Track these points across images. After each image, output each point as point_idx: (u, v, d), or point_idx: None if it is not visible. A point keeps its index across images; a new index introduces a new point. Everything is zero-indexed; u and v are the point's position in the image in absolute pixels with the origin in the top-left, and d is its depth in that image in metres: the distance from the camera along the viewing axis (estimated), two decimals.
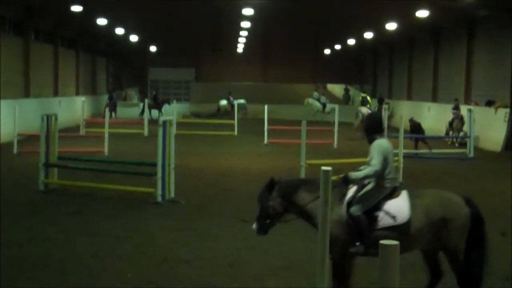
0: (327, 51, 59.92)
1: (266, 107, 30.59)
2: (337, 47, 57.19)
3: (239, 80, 60.89)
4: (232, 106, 49.97)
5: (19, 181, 17.32)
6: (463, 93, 35.50)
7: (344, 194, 7.92)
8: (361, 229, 7.54)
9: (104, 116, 47.04)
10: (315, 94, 50.47)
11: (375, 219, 7.57)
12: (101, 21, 40.78)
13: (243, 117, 43.97)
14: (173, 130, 15.43)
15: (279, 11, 46.68)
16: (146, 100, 40.42)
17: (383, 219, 7.56)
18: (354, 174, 7.90)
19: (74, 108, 41.06)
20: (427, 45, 42.03)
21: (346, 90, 66.02)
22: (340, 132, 28.74)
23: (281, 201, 7.96)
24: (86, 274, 9.05)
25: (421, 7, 33.18)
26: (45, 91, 39.58)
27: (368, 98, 40.79)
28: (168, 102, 50.31)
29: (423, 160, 24.25)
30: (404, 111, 38.16)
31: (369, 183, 7.85)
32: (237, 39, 58.23)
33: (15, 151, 24.04)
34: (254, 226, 8.13)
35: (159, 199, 14.44)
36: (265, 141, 28.96)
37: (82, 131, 31.35)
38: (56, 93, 41.51)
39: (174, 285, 8.75)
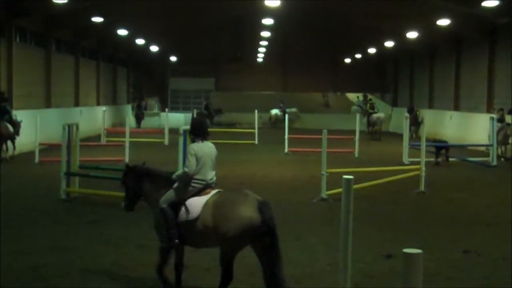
0: (347, 60, 59.76)
1: (286, 116, 30.52)
2: (357, 55, 57.01)
3: (259, 90, 60.88)
4: (285, 114, 50.13)
5: (40, 190, 17.40)
6: (485, 101, 35.20)
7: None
8: (166, 220, 8.31)
9: (137, 125, 47.84)
10: (357, 100, 49.09)
11: (177, 212, 8.26)
12: (122, 32, 40.97)
13: (295, 126, 44.01)
14: None
15: (298, 20, 46.75)
16: (166, 110, 40.67)
17: (183, 214, 8.24)
18: (175, 174, 8.72)
19: (95, 117, 41.28)
20: (449, 53, 41.77)
21: (365, 97, 65.92)
22: (360, 141, 28.59)
23: (133, 186, 9.04)
24: (107, 283, 9.04)
25: (442, 15, 32.99)
26: (66, 101, 39.80)
27: (375, 104, 41.17)
28: (221, 111, 50.53)
29: (445, 168, 24.07)
30: (426, 119, 37.96)
31: (176, 180, 8.60)
32: (257, 49, 58.30)
33: (36, 160, 24.21)
34: (123, 204, 9.27)
35: None
36: (286, 149, 28.90)
37: (103, 140, 31.48)
38: (77, 103, 41.72)
39: None
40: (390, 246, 11.35)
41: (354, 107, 51.15)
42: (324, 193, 16.21)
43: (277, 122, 48.81)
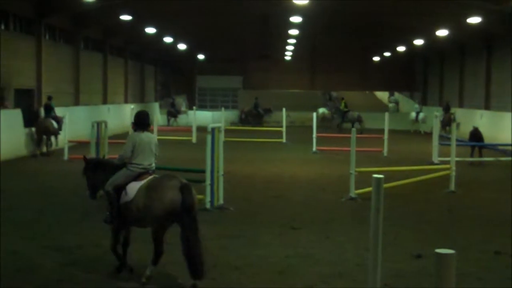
0: (375, 58, 59.41)
1: (314, 114, 30.35)
2: (386, 54, 56.66)
3: (287, 88, 60.80)
4: (332, 113, 50.04)
5: (69, 187, 17.50)
6: None
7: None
8: (109, 201, 9.20)
9: (169, 123, 48.19)
10: (416, 106, 48.21)
11: (119, 195, 9.06)
12: (150, 30, 41.13)
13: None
14: (222, 137, 15.39)
15: (327, 18, 46.53)
16: (194, 108, 40.79)
17: (124, 196, 9.03)
18: (116, 158, 9.76)
19: (122, 115, 41.52)
20: (479, 51, 41.31)
21: (391, 95, 65.70)
22: (389, 140, 28.37)
23: (90, 176, 9.86)
24: (136, 279, 9.04)
25: (473, 13, 32.62)
26: (94, 99, 40.08)
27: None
28: (271, 110, 50.40)
29: (477, 168, 23.80)
30: (456, 118, 37.66)
31: (123, 165, 9.38)
32: (285, 47, 58.16)
33: (66, 157, 24.39)
34: (87, 193, 10.08)
35: (208, 205, 14.41)
36: (314, 148, 28.77)
37: None
38: (105, 101, 42.00)
39: None
40: (419, 246, 11.24)
41: (321, 110, 50.98)
42: (353, 192, 16.11)
43: (325, 121, 48.75)
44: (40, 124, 26.55)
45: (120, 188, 9.12)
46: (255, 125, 47.48)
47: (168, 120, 49.77)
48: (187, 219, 8.56)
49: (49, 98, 27.78)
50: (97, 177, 9.74)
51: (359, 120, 43.33)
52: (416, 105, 47.42)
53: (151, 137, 9.57)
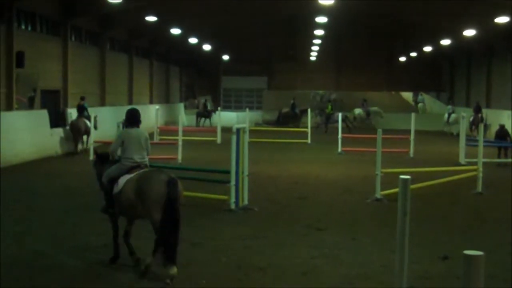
0: (401, 58, 59.04)
1: (340, 114, 30.22)
2: (412, 54, 56.27)
3: (312, 88, 60.63)
4: (368, 114, 49.78)
5: (94, 187, 17.55)
6: None
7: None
8: (105, 192, 9.90)
9: (198, 124, 48.25)
10: (449, 107, 47.50)
11: (112, 187, 9.64)
12: (175, 31, 41.24)
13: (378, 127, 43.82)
14: (247, 137, 15.36)
15: (352, 18, 46.41)
16: (219, 108, 40.86)
17: (115, 188, 9.59)
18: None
19: (148, 116, 41.57)
20: (507, 51, 40.88)
21: (416, 97, 65.16)
22: (416, 141, 28.15)
23: (99, 169, 10.50)
24: (160, 279, 9.03)
25: (501, 13, 32.28)
26: (119, 99, 40.27)
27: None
28: (324, 110, 50.32)
29: (504, 169, 23.52)
30: (486, 119, 37.31)
31: (119, 160, 9.96)
32: (310, 47, 58.04)
33: (91, 157, 24.53)
34: (97, 184, 10.54)
35: (233, 206, 14.40)
36: (339, 149, 28.65)
37: (156, 139, 31.70)
38: (130, 102, 42.16)
39: None
40: (446, 247, 11.13)
41: (357, 111, 50.81)
42: (379, 193, 16.00)
43: (360, 122, 48.54)
44: (73, 123, 27.65)
45: (114, 180, 9.70)
46: (293, 126, 47.33)
47: (198, 121, 49.56)
48: (169, 210, 8.95)
49: (82, 98, 29.02)
50: (104, 170, 10.21)
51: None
52: (449, 106, 46.23)
53: (140, 133, 10.10)
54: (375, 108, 51.30)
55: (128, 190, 9.37)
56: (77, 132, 27.39)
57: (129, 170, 9.72)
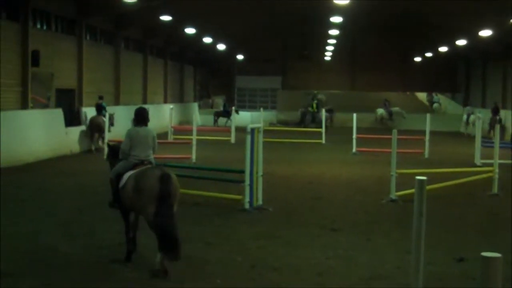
0: (416, 59, 58.82)
1: (354, 115, 30.08)
2: (428, 54, 56.05)
3: (326, 88, 60.49)
4: (390, 114, 49.59)
5: (109, 186, 17.60)
6: None
7: None
8: (112, 187, 10.23)
9: (215, 124, 48.17)
10: (468, 108, 46.91)
11: (119, 182, 9.94)
12: (189, 30, 41.29)
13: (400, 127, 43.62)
14: (261, 137, 15.32)
15: (367, 18, 46.25)
16: (233, 108, 40.86)
17: (120, 183, 9.88)
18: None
19: (162, 115, 41.73)
20: None
21: (430, 99, 64.83)
22: (431, 141, 28.00)
23: (111, 161, 10.89)
24: (175, 278, 9.04)
25: None
26: (134, 99, 40.36)
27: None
28: (333, 111, 50.14)
29: None
30: (504, 121, 37.09)
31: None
32: (325, 47, 57.94)
33: (105, 156, 24.57)
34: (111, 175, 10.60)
35: (247, 206, 14.38)
36: (354, 149, 28.55)
37: (170, 138, 31.78)
38: (144, 101, 42.26)
39: None
40: (462, 249, 11.05)
41: (379, 111, 50.62)
42: (394, 194, 15.92)
43: (383, 122, 48.32)
44: (93, 120, 28.41)
45: (120, 176, 10.00)
46: (318, 126, 47.22)
47: (216, 121, 49.24)
48: (163, 206, 9.13)
49: (101, 97, 29.88)
50: (116, 162, 10.51)
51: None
52: (468, 107, 45.64)
53: (147, 132, 10.37)
54: (396, 109, 51.05)
55: (128, 186, 9.66)
56: (96, 128, 27.90)
57: (133, 167, 10.00)
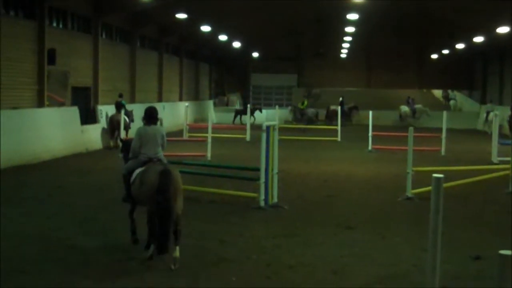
0: (433, 56, 58.54)
1: (370, 113, 29.98)
2: (444, 51, 55.77)
3: (342, 86, 60.36)
4: (414, 112, 49.39)
5: (122, 184, 17.65)
6: None
7: None
8: (124, 182, 10.72)
9: (234, 122, 48.11)
10: (489, 105, 46.30)
11: (130, 178, 10.40)
12: (205, 28, 41.33)
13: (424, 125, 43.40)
14: (276, 135, 15.28)
15: (384, 15, 46.08)
16: (249, 106, 40.86)
17: (132, 179, 10.33)
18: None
19: (177, 113, 41.81)
20: None
21: (446, 95, 64.39)
22: (448, 139, 27.84)
23: (125, 156, 11.27)
24: (190, 276, 9.05)
25: None
26: (149, 97, 40.47)
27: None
28: (357, 108, 49.74)
29: None
30: None
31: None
32: (340, 44, 57.82)
33: (120, 154, 24.64)
34: (123, 170, 11.00)
35: (262, 204, 14.36)
36: (369, 147, 28.46)
37: (185, 136, 31.82)
38: (160, 99, 42.38)
39: None
40: (478, 247, 10.97)
41: (403, 108, 50.23)
42: (410, 192, 15.84)
43: (407, 119, 48.13)
44: (113, 117, 28.75)
45: (131, 172, 10.45)
46: (342, 124, 47.06)
47: (235, 119, 48.83)
48: (160, 200, 9.39)
49: (120, 95, 30.37)
50: (127, 157, 10.97)
51: (316, 118, 46.19)
52: (489, 104, 44.67)
53: (156, 130, 10.66)
54: (420, 106, 50.63)
55: (136, 182, 10.14)
56: (117, 126, 27.97)
57: (143, 164, 10.32)
